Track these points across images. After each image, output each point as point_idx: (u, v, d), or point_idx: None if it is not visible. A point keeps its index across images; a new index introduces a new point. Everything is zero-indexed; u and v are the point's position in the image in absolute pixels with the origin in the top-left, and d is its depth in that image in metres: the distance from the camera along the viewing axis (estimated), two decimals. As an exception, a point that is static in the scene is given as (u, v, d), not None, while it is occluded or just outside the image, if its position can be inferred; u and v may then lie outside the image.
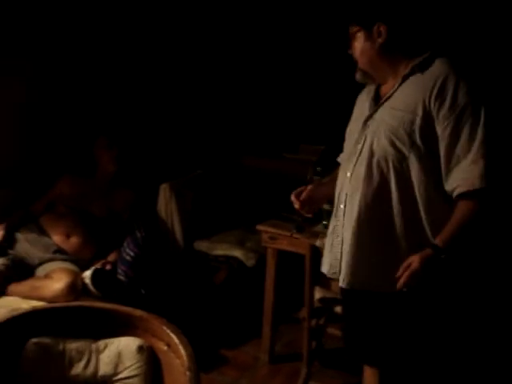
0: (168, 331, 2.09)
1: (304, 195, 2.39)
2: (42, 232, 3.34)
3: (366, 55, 2.11)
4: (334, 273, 2.25)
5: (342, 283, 2.19)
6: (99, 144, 3.58)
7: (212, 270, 3.73)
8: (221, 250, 3.73)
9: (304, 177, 2.91)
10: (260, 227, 3.18)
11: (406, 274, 1.95)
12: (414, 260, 1.95)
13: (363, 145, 2.12)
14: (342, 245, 2.20)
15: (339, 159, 2.46)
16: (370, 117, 2.14)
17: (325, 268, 2.34)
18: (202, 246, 3.81)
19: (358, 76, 2.22)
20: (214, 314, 3.76)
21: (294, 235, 3.02)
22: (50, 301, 2.89)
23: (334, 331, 3.16)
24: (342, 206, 2.20)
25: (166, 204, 3.67)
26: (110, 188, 3.60)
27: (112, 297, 3.08)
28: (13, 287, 3.05)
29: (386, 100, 2.10)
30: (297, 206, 2.41)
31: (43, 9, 3.47)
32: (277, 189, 3.92)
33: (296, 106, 4.72)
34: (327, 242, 2.34)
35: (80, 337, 2.23)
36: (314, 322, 3.13)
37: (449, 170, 1.97)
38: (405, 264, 1.97)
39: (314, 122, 4.49)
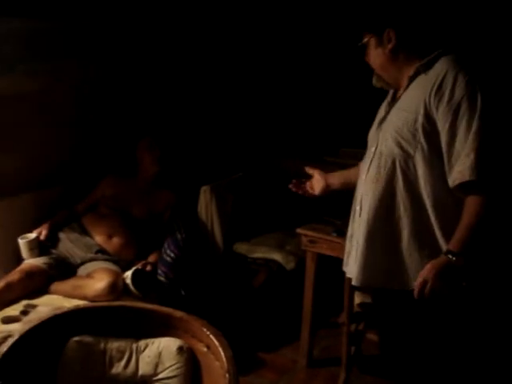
0: (208, 333, 2.10)
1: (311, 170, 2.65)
2: (85, 232, 3.38)
3: (378, 61, 2.17)
4: (351, 272, 2.27)
5: (354, 282, 2.21)
6: (142, 145, 3.62)
7: (251, 273, 3.73)
8: (260, 253, 3.73)
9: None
10: (300, 231, 3.17)
11: (417, 286, 1.97)
12: (426, 272, 1.96)
13: (376, 147, 2.16)
14: (358, 244, 2.22)
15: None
16: (383, 119, 2.19)
17: (346, 269, 2.37)
18: (241, 248, 3.81)
19: (374, 81, 2.32)
20: (252, 316, 3.76)
21: (334, 239, 3.00)
22: (91, 300, 2.93)
23: (373, 337, 3.14)
24: (357, 208, 2.24)
25: (206, 206, 3.68)
26: (151, 189, 3.63)
27: (152, 297, 3.11)
28: (55, 286, 3.09)
29: (396, 102, 2.15)
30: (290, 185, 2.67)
31: (91, 10, 3.51)
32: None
33: (337, 109, 4.70)
34: (347, 244, 2.36)
35: (121, 336, 2.26)
36: (353, 327, 3.10)
37: (450, 167, 1.97)
38: (420, 273, 1.99)
39: (355, 126, 4.46)
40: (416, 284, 1.98)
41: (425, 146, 1.99)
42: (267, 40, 4.60)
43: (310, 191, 2.63)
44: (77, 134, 3.64)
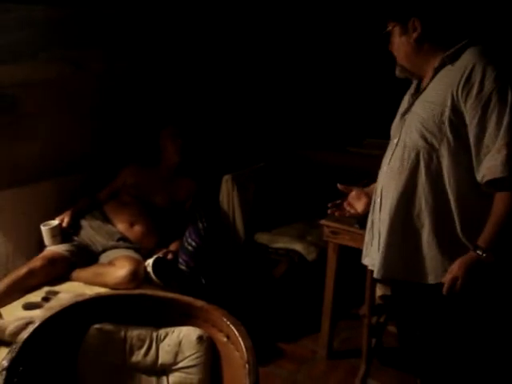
0: (228, 323, 2.09)
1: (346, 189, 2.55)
2: (107, 220, 3.39)
3: (402, 50, 2.13)
4: (373, 265, 2.24)
5: (375, 274, 2.19)
6: (165, 134, 3.62)
7: (272, 263, 3.72)
8: (281, 243, 3.71)
9: (368, 171, 2.86)
10: (322, 222, 3.14)
11: (448, 282, 1.95)
12: (455, 269, 1.94)
13: (399, 139, 2.14)
14: (379, 237, 2.19)
15: None
16: (407, 111, 2.16)
17: (366, 261, 2.36)
18: (262, 238, 3.80)
19: (398, 71, 2.25)
20: (273, 306, 3.75)
21: (356, 230, 2.97)
22: (112, 287, 2.95)
23: (394, 329, 3.11)
24: (378, 200, 2.22)
25: (228, 195, 3.67)
26: (173, 178, 3.63)
27: (173, 286, 3.12)
28: (77, 273, 3.11)
29: (421, 93, 2.10)
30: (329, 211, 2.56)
31: (115, 4, 3.51)
32: (340, 182, 3.88)
33: (361, 98, 4.65)
34: (367, 236, 2.34)
35: (141, 324, 2.26)
36: (374, 319, 3.08)
37: (479, 162, 1.93)
38: (452, 267, 1.96)
39: (379, 116, 4.41)
40: (445, 280, 1.95)
41: (451, 139, 1.95)
42: (292, 28, 4.57)
43: (352, 211, 2.54)
44: (99, 122, 3.65)
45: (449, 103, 1.94)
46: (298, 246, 3.65)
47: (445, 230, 2.01)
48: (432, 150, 2.00)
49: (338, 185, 2.53)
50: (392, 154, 2.15)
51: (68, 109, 3.44)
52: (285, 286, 3.69)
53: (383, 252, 2.14)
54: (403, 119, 2.15)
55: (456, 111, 1.94)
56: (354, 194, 2.51)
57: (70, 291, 2.92)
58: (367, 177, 2.59)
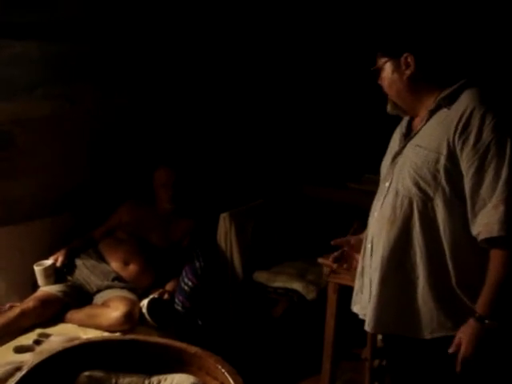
0: (223, 370, 2.01)
1: (337, 253, 2.39)
2: (101, 258, 3.34)
3: (394, 87, 2.03)
4: (364, 314, 2.13)
5: (366, 327, 2.09)
6: (156, 181, 3.56)
7: (271, 303, 3.66)
8: (280, 282, 3.63)
9: (368, 208, 2.81)
10: (321, 260, 3.08)
11: (459, 359, 1.83)
12: (463, 341, 1.83)
13: (390, 183, 2.02)
14: (371, 286, 2.08)
15: None
16: (398, 153, 2.03)
17: (356, 308, 2.25)
18: (261, 277, 3.72)
19: (389, 108, 2.13)
20: (272, 347, 3.68)
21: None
22: (106, 329, 2.91)
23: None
24: (369, 246, 2.11)
25: (225, 233, 3.62)
26: (170, 217, 3.58)
27: (168, 327, 3.06)
28: (70, 314, 3.06)
29: (413, 136, 1.99)
30: (334, 266, 2.45)
31: (109, 35, 3.50)
32: (340, 219, 3.83)
33: (361, 134, 4.62)
34: (357, 282, 2.23)
35: (133, 371, 2.18)
36: (376, 362, 3.00)
37: (474, 214, 1.82)
38: (455, 342, 1.85)
39: (379, 151, 4.38)
40: (454, 343, 1.86)
41: (446, 189, 1.85)
42: (293, 66, 4.56)
43: (348, 267, 2.43)
44: (93, 160, 3.61)
45: (444, 151, 1.84)
46: (297, 285, 3.57)
47: (440, 283, 1.91)
48: (426, 199, 1.89)
49: (332, 242, 2.40)
50: (383, 199, 2.05)
51: (63, 146, 3.41)
52: (284, 326, 3.62)
53: (374, 303, 2.03)
54: (394, 162, 2.04)
55: (452, 159, 1.84)
56: (355, 242, 2.37)
57: (63, 334, 2.87)
58: (365, 214, 2.51)
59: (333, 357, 3.23)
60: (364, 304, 2.14)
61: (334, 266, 2.44)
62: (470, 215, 1.83)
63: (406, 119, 2.13)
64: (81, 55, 3.39)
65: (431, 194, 1.88)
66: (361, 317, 2.21)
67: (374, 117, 4.46)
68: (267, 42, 4.40)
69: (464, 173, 1.83)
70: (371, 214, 2.15)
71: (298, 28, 4.49)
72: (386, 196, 2.03)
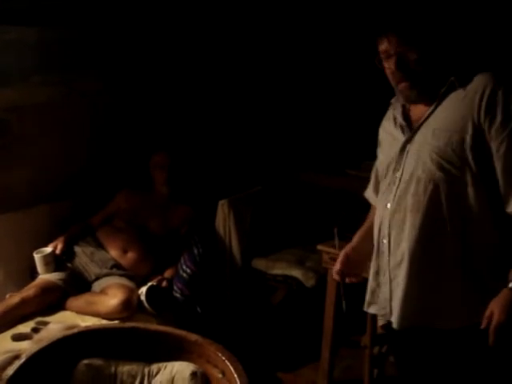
0: (223, 358, 2.00)
1: (339, 266, 2.27)
2: (100, 246, 3.33)
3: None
4: (385, 314, 2.07)
5: (395, 325, 2.00)
6: (153, 163, 3.57)
7: (270, 290, 3.64)
8: (279, 269, 3.62)
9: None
10: (320, 247, 3.06)
11: (492, 329, 1.76)
12: (495, 311, 1.77)
13: (402, 172, 1.97)
14: (391, 283, 2.02)
15: (367, 194, 2.34)
16: (407, 141, 1.98)
17: (372, 309, 2.19)
18: (259, 264, 3.71)
19: (413, 96, 2.00)
20: (271, 334, 3.67)
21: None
22: (104, 317, 2.91)
23: (396, 359, 3.01)
24: (385, 242, 2.03)
25: (224, 220, 3.60)
26: (168, 203, 3.56)
27: (167, 315, 3.06)
28: (70, 302, 3.06)
29: (424, 121, 1.94)
30: (338, 278, 2.33)
31: (108, 22, 3.47)
32: (339, 206, 3.81)
33: (359, 120, 4.60)
34: (371, 283, 2.15)
35: (132, 359, 2.17)
36: (376, 349, 2.99)
37: (508, 192, 1.81)
38: (487, 314, 1.79)
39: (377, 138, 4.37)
40: (485, 315, 1.79)
41: (474, 168, 1.81)
42: (291, 54, 4.53)
43: (357, 277, 2.32)
44: (91, 147, 3.59)
45: (470, 130, 1.81)
46: (296, 273, 3.56)
47: (474, 268, 1.87)
48: (453, 181, 1.84)
49: (335, 276, 2.34)
50: (396, 190, 1.97)
51: (60, 133, 3.39)
52: (283, 313, 3.61)
53: (401, 299, 1.96)
54: (404, 151, 1.98)
55: (479, 138, 1.81)
56: (350, 255, 2.28)
57: (62, 321, 2.86)
58: (364, 201, 2.48)
59: (332, 344, 3.22)
60: (383, 303, 2.08)
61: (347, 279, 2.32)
62: (503, 193, 1.81)
63: (398, 109, 2.07)
64: (78, 41, 3.37)
65: (458, 175, 1.84)
66: (379, 317, 2.19)
67: (373, 104, 4.45)
68: (264, 33, 4.37)
69: (494, 150, 1.80)
70: (380, 207, 2.09)
71: (293, 20, 4.46)
72: (398, 186, 1.98)
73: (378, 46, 1.98)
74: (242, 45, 4.31)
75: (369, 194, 2.34)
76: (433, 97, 1.93)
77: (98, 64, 3.50)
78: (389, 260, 2.02)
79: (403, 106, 2.06)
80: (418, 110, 2.00)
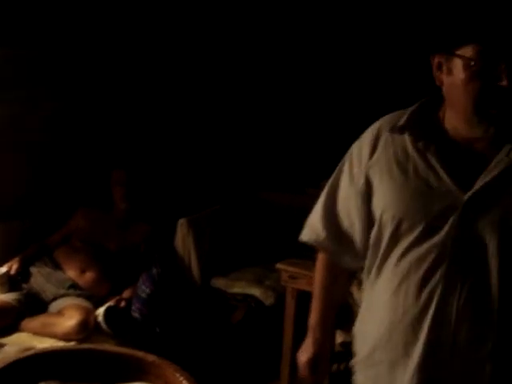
0: (181, 379, 1.98)
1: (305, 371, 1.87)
2: (57, 266, 3.30)
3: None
4: None
5: None
6: (112, 179, 3.55)
7: (229, 309, 3.64)
8: (239, 288, 3.64)
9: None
10: (279, 266, 3.09)
11: None
12: None
13: (453, 243, 1.39)
14: None
15: (316, 240, 1.72)
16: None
17: None
18: (219, 283, 3.71)
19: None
20: (230, 353, 3.66)
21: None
22: (61, 338, 2.88)
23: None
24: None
25: (183, 239, 3.60)
26: (127, 222, 3.54)
27: (125, 335, 3.03)
28: (25, 323, 3.02)
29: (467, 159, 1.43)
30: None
31: (66, 39, 3.46)
32: (298, 225, 3.83)
33: (319, 139, 4.65)
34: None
35: (90, 381, 2.14)
36: (334, 366, 3.01)
37: None
38: None
39: (336, 158, 4.41)
40: None
41: None
42: (245, 67, 4.56)
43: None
44: (48, 165, 3.57)
45: None
46: (255, 291, 3.58)
47: None
48: None
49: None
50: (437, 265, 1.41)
51: (15, 150, 3.35)
52: (242, 332, 3.60)
53: None
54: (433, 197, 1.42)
55: None
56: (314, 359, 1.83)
57: (17, 343, 2.84)
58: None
59: (291, 362, 3.22)
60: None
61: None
62: None
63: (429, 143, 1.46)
64: (33, 60, 3.35)
65: None
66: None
67: (331, 122, 4.52)
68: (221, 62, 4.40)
69: None
70: (402, 298, 1.47)
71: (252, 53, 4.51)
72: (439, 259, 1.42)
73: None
74: (197, 72, 4.32)
75: (319, 240, 1.70)
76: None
77: (53, 82, 3.48)
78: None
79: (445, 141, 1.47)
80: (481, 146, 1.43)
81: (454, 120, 1.45)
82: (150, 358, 2.10)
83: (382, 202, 1.51)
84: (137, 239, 3.52)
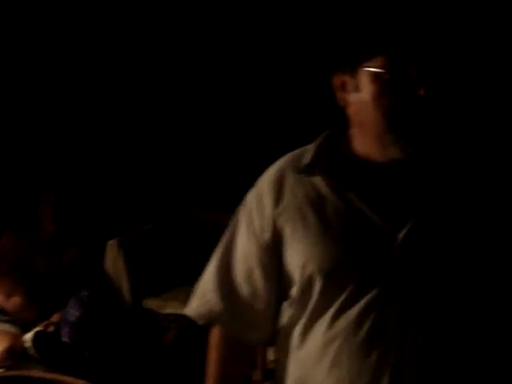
0: (112, 403, 1.96)
1: None
2: (-18, 291, 3.20)
3: None
4: None
5: None
6: (39, 202, 3.51)
7: (162, 330, 3.61)
8: (171, 308, 3.62)
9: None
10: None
11: None
12: None
13: (385, 289, 1.22)
14: None
15: (216, 317, 1.44)
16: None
17: None
18: (151, 304, 3.68)
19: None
20: (163, 374, 3.62)
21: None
22: (-13, 366, 2.77)
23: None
24: None
25: (113, 261, 3.57)
26: (54, 244, 3.50)
27: (54, 361, 2.96)
28: None
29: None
30: None
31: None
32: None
33: (248, 157, 4.67)
34: None
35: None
36: (267, 384, 3.02)
37: None
38: None
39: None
40: None
41: None
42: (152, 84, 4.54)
43: None
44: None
45: None
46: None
47: None
48: None
49: None
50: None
51: None
52: (175, 352, 3.57)
53: None
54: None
55: None
56: None
57: None
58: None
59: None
60: None
61: None
62: None
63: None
64: None
65: None
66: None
67: (261, 141, 4.55)
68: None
69: None
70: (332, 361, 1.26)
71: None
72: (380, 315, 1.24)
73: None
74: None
75: (214, 314, 1.42)
76: None
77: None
78: None
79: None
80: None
81: (366, 144, 1.28)
82: (80, 382, 2.08)
83: (301, 256, 1.27)
84: (66, 261, 3.49)
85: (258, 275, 1.35)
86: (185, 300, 3.64)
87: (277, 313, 1.37)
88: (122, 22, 4.10)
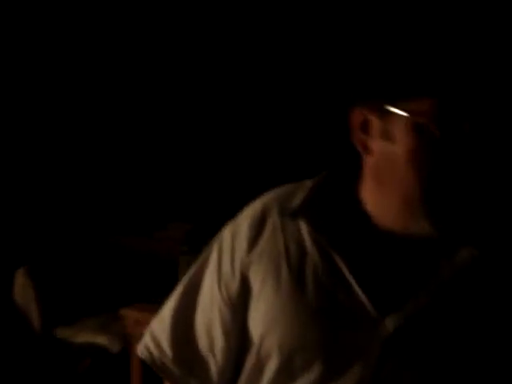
0: None
1: None
2: None
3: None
4: None
5: None
6: None
7: (75, 359, 3.54)
8: (83, 337, 3.54)
9: (173, 256, 2.84)
10: (123, 312, 3.04)
11: None
12: None
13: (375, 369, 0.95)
14: None
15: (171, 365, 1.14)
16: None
17: None
18: (63, 333, 3.58)
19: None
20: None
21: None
22: None
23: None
24: None
25: (22, 289, 3.47)
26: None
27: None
28: None
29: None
30: None
31: None
32: (146, 269, 3.80)
33: (165, 182, 4.65)
34: None
35: None
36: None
37: None
38: None
39: (184, 198, 4.44)
40: None
41: None
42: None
43: None
44: None
45: None
46: (101, 339, 3.49)
47: None
48: None
49: None
50: None
51: None
52: (89, 381, 3.51)
53: None
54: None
55: None
56: None
57: None
58: (169, 263, 2.48)
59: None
60: None
61: None
62: None
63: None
64: None
65: None
66: None
67: (178, 165, 4.54)
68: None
69: None
70: None
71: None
72: None
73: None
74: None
75: (162, 360, 1.13)
76: None
77: None
78: None
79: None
80: None
81: (383, 206, 0.99)
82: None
83: (262, 322, 1.01)
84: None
85: (217, 331, 1.08)
86: (97, 328, 3.64)
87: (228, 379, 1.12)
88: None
